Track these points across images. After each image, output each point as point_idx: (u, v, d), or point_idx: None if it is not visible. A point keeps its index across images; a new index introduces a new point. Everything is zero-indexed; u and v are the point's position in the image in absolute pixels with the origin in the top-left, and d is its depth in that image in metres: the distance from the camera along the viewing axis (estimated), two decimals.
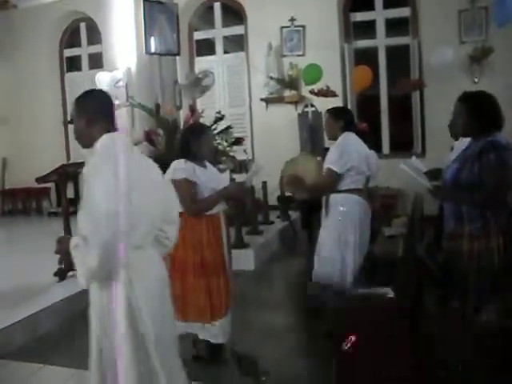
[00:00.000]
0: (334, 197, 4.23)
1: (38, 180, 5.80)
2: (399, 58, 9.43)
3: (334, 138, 4.32)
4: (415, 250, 4.98)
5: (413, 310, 3.20)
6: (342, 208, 4.19)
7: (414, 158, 3.98)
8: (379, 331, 3.09)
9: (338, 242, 4.19)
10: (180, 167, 3.73)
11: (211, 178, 3.83)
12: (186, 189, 3.66)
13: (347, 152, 4.14)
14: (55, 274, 5.73)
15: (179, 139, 4.09)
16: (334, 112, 4.41)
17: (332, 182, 4.18)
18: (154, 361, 2.39)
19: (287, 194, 8.33)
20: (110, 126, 2.44)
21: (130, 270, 2.29)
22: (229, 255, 4.07)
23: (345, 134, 4.24)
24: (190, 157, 3.78)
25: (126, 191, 2.16)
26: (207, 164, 3.95)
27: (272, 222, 8.27)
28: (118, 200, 2.13)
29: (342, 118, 4.30)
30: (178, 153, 3.92)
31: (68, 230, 5.83)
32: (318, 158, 5.13)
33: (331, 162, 4.15)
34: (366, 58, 9.42)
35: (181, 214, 3.84)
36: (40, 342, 4.56)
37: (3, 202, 11.69)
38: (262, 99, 9.71)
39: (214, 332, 3.87)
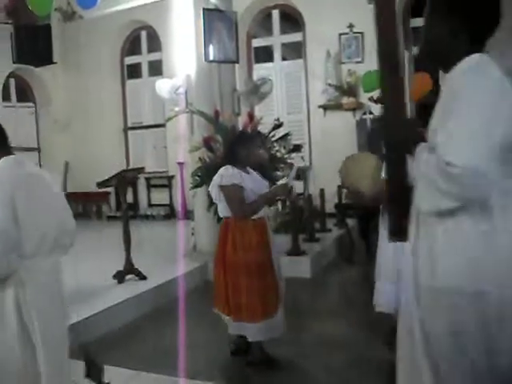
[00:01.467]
0: None
1: (99, 185, 5.93)
2: None
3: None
4: None
5: None
6: None
7: None
8: None
9: (394, 251, 4.09)
10: (228, 173, 3.88)
11: (255, 184, 3.98)
12: (234, 193, 3.84)
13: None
14: (114, 277, 5.85)
15: (227, 146, 4.25)
16: None
17: None
18: (39, 361, 2.60)
19: (346, 200, 8.31)
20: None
21: (22, 276, 2.57)
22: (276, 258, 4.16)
23: None
24: (236, 163, 3.94)
25: (11, 210, 2.49)
26: (250, 170, 4.08)
27: (329, 230, 8.21)
28: (4, 218, 2.47)
29: None
30: (225, 159, 4.11)
31: (127, 234, 5.94)
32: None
33: None
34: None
35: (229, 218, 3.94)
36: (99, 343, 4.64)
37: None
38: (319, 106, 9.68)
39: (263, 330, 3.94)
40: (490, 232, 1.75)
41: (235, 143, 4.11)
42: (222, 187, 3.87)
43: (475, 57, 1.82)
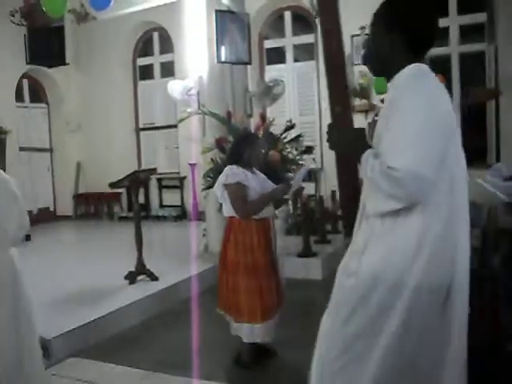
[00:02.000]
0: None
1: (111, 185, 5.95)
2: (473, 66, 9.18)
3: None
4: (490, 263, 4.82)
5: (489, 325, 3.09)
6: None
7: (499, 164, 3.85)
8: None
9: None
10: (232, 172, 3.89)
11: (260, 184, 3.99)
12: (237, 192, 3.86)
13: None
14: (126, 278, 5.87)
15: (232, 146, 4.29)
16: None
17: None
18: None
19: None
20: None
21: None
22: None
23: None
24: (241, 163, 3.95)
25: None
26: (256, 171, 4.10)
27: (340, 232, 8.19)
28: None
29: None
30: (230, 159, 4.12)
31: (139, 235, 5.96)
32: None
33: None
34: (438, 66, 9.21)
35: (233, 218, 3.94)
36: (110, 343, 4.67)
37: (76, 205, 12.09)
38: None
39: (260, 332, 3.94)
40: (423, 229, 1.90)
41: (240, 143, 4.14)
42: (226, 186, 3.89)
43: (415, 66, 1.97)
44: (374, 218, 2.00)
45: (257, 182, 3.95)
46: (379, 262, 1.96)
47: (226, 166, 4.05)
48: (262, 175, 4.15)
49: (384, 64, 2.07)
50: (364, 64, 2.21)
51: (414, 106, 1.86)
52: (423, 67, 1.99)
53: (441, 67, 9.04)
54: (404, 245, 1.93)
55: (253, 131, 6.50)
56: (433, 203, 1.89)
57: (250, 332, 3.95)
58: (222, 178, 3.94)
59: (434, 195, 1.88)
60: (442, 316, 1.96)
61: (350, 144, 2.10)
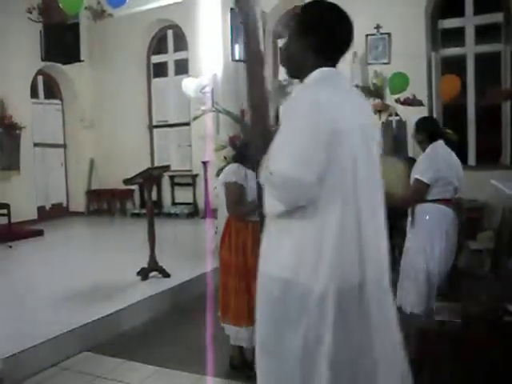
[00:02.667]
0: (420, 206, 4.16)
1: (126, 182, 5.98)
2: (489, 66, 9.11)
3: (422, 148, 4.27)
4: (504, 264, 4.80)
5: (502, 327, 3.08)
6: (428, 218, 4.11)
7: None
8: (464, 347, 2.99)
9: (423, 253, 4.10)
10: (232, 171, 3.88)
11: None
12: (233, 191, 3.82)
13: (435, 162, 4.07)
14: (138, 274, 5.89)
15: (239, 145, 4.24)
16: (418, 123, 4.37)
17: (421, 193, 4.11)
18: None
19: None
20: None
21: None
22: None
23: (435, 144, 4.16)
24: (244, 162, 3.90)
25: None
26: None
27: None
28: None
29: (427, 128, 4.24)
30: (235, 158, 4.09)
31: (152, 231, 5.98)
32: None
33: (419, 173, 4.09)
34: (453, 66, 9.16)
35: (231, 217, 3.92)
36: (122, 339, 4.69)
37: (89, 201, 12.16)
38: None
39: (245, 336, 3.87)
40: (316, 230, 1.94)
41: (244, 142, 4.12)
42: (224, 184, 3.88)
43: (321, 71, 2.06)
44: (273, 221, 2.07)
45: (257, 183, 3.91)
46: (282, 269, 1.99)
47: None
48: None
49: (297, 67, 2.15)
50: (282, 65, 2.27)
51: (296, 113, 1.94)
52: (328, 71, 2.07)
53: (456, 67, 8.99)
54: (300, 249, 1.96)
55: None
56: (325, 206, 1.93)
57: (234, 335, 3.93)
58: (221, 176, 3.95)
59: (325, 198, 1.93)
60: (361, 318, 1.97)
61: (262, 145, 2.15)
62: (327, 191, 1.93)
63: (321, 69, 2.06)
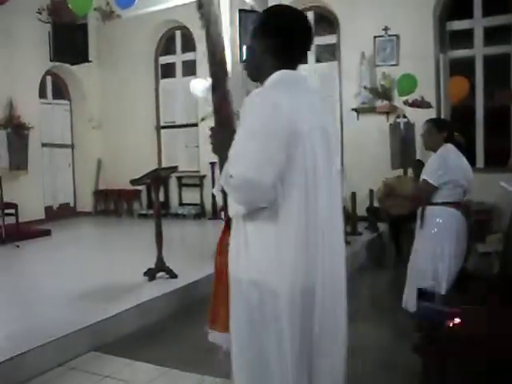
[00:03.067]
0: (430, 209, 4.15)
1: (133, 182, 5.98)
2: (497, 68, 9.08)
3: (433, 148, 4.23)
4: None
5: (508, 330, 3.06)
6: (438, 220, 4.11)
7: None
8: (472, 350, 2.97)
9: (433, 255, 4.10)
10: None
11: None
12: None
13: (445, 164, 4.06)
14: (145, 274, 5.90)
15: None
16: (439, 122, 4.35)
17: (427, 193, 4.10)
18: None
19: (377, 205, 8.24)
20: None
21: None
22: None
23: (444, 146, 4.15)
24: None
25: None
26: None
27: (360, 233, 8.16)
28: None
29: (445, 130, 4.21)
30: None
31: (160, 232, 5.98)
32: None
33: (427, 174, 4.08)
34: (461, 68, 9.14)
35: (225, 226, 3.85)
36: (130, 339, 4.69)
37: (96, 202, 12.19)
38: (353, 109, 9.61)
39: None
40: (278, 232, 1.99)
41: None
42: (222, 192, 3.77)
43: (279, 73, 2.10)
44: (238, 223, 2.11)
45: None
46: (250, 271, 2.05)
47: None
48: None
49: (257, 69, 2.19)
50: (245, 69, 2.31)
51: (255, 115, 1.97)
52: (288, 74, 2.11)
53: (464, 69, 8.97)
54: (265, 250, 2.01)
55: None
56: (286, 207, 1.98)
57: (223, 342, 3.88)
58: (221, 180, 3.82)
59: (286, 199, 1.97)
60: (309, 319, 2.04)
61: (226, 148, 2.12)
62: (288, 192, 1.97)
63: (281, 71, 2.10)
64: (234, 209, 2.06)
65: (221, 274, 3.83)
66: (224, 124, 2.43)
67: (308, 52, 2.22)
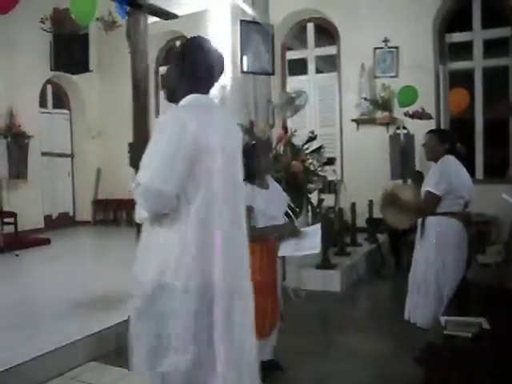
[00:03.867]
0: (430, 219, 4.16)
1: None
2: (497, 80, 9.13)
3: (434, 159, 4.24)
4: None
5: (509, 342, 3.05)
6: (438, 230, 4.11)
7: None
8: (472, 362, 2.96)
9: (434, 265, 4.09)
10: None
11: (272, 203, 3.79)
12: None
13: (447, 175, 4.07)
14: None
15: (243, 162, 4.07)
16: (442, 134, 4.36)
17: (432, 204, 4.10)
18: None
19: (376, 216, 8.23)
20: None
21: None
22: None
23: (446, 157, 4.16)
24: (250, 178, 3.70)
25: None
26: (271, 185, 3.94)
27: (359, 244, 8.15)
28: None
29: (447, 141, 4.22)
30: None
31: None
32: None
33: (431, 185, 4.09)
34: (461, 80, 9.18)
35: None
36: (126, 350, 4.66)
37: (95, 211, 12.17)
38: (352, 120, 9.64)
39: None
40: (180, 235, 2.25)
41: (246, 157, 3.91)
42: None
43: (190, 97, 2.39)
44: (145, 227, 2.39)
45: (266, 201, 3.74)
46: (151, 271, 2.31)
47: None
48: (277, 187, 4.01)
49: (173, 92, 2.49)
50: (164, 91, 2.60)
51: (163, 131, 2.25)
52: (198, 98, 2.40)
53: (464, 81, 9.01)
54: (168, 252, 2.27)
55: (275, 141, 6.49)
56: (186, 214, 2.25)
57: None
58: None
59: (186, 207, 2.25)
60: (207, 318, 2.28)
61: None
62: (188, 201, 2.24)
63: (192, 95, 2.39)
64: (140, 214, 2.32)
65: None
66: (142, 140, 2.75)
67: (218, 78, 2.53)
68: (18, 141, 9.98)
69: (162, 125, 2.28)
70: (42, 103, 11.19)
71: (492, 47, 9.12)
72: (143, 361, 2.46)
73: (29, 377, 3.86)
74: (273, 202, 3.83)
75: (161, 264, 2.28)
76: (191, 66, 2.41)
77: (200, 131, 2.24)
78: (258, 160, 3.81)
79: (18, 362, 3.84)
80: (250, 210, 3.60)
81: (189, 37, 2.60)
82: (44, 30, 9.88)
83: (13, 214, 8.82)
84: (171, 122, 2.26)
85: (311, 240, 3.84)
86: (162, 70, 12.00)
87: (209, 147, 2.27)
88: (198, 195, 2.24)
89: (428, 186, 4.12)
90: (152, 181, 2.19)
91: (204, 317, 2.27)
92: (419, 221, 4.28)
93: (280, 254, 3.88)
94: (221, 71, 2.53)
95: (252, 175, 3.73)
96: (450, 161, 4.17)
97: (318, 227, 3.95)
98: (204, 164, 2.25)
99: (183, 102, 2.40)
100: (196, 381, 2.30)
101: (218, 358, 2.31)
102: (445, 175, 4.07)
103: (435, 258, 4.10)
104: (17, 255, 8.03)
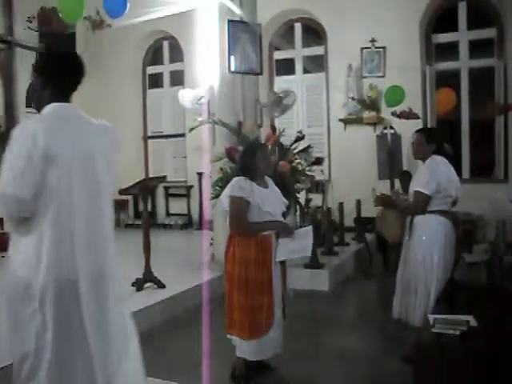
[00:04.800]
0: (418, 218, 4.17)
1: (121, 192, 5.95)
2: (483, 81, 9.20)
3: (422, 158, 4.26)
4: (500, 277, 4.81)
5: (496, 339, 3.08)
6: (426, 228, 4.12)
7: None
8: (461, 359, 2.99)
9: (423, 264, 4.10)
10: (239, 185, 3.80)
11: (268, 201, 3.86)
12: (237, 207, 3.77)
13: (437, 175, 4.08)
14: (133, 284, 5.86)
15: (241, 157, 4.17)
16: (429, 133, 4.37)
17: (423, 204, 4.12)
18: None
19: (364, 215, 8.27)
20: None
21: None
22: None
23: (434, 157, 4.18)
24: (249, 175, 3.84)
25: None
26: (269, 183, 4.01)
27: (347, 244, 8.18)
28: None
29: (435, 140, 4.24)
30: (240, 170, 4.02)
31: (148, 242, 5.96)
32: None
33: (421, 185, 4.10)
34: (447, 80, 9.24)
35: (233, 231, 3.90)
36: None
37: None
38: (340, 120, 9.67)
39: (251, 349, 3.88)
40: (37, 235, 2.37)
41: (247, 154, 3.99)
42: (230, 197, 3.80)
43: (50, 106, 2.49)
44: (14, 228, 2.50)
45: (264, 199, 3.82)
46: (15, 268, 2.45)
47: (236, 176, 3.98)
48: (276, 189, 4.06)
49: (37, 102, 2.58)
50: (31, 102, 2.65)
51: (17, 140, 2.35)
52: (57, 107, 2.51)
53: (450, 81, 9.06)
54: (28, 251, 2.40)
55: (263, 141, 6.49)
56: (42, 216, 2.38)
57: (238, 346, 3.93)
58: (227, 189, 3.86)
59: (43, 210, 2.37)
60: (76, 312, 2.42)
61: None
62: (44, 205, 2.36)
63: (52, 104, 2.50)
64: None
65: (231, 280, 3.89)
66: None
67: (77, 85, 2.69)
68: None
69: (15, 137, 2.37)
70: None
71: (478, 48, 9.19)
72: None
73: None
74: (269, 199, 3.88)
75: (22, 263, 2.42)
76: (50, 76, 2.53)
77: (54, 139, 2.37)
78: (257, 160, 3.87)
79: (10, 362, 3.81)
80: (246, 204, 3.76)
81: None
82: (31, 29, 9.81)
83: None
84: (23, 134, 2.36)
85: (303, 242, 3.90)
86: (150, 69, 11.98)
87: (61, 155, 2.38)
88: (55, 199, 2.38)
89: (418, 185, 4.13)
90: (6, 187, 2.33)
91: (70, 314, 2.41)
92: (407, 219, 4.30)
93: (277, 258, 3.91)
94: (78, 74, 2.65)
95: (252, 173, 3.84)
96: (439, 160, 4.18)
97: (309, 229, 3.98)
98: (56, 171, 2.37)
99: (42, 111, 2.51)
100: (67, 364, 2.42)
101: (89, 340, 2.45)
102: (434, 175, 4.08)
103: (425, 256, 4.11)
104: (3, 257, 7.96)
